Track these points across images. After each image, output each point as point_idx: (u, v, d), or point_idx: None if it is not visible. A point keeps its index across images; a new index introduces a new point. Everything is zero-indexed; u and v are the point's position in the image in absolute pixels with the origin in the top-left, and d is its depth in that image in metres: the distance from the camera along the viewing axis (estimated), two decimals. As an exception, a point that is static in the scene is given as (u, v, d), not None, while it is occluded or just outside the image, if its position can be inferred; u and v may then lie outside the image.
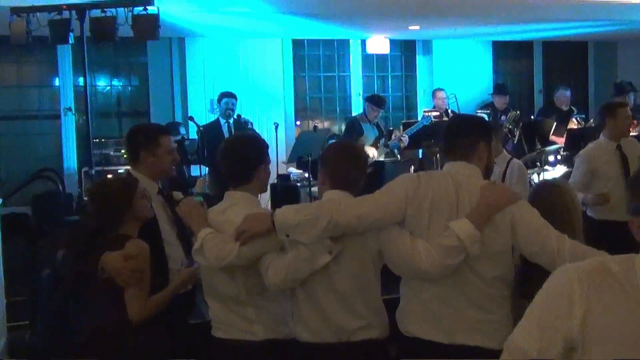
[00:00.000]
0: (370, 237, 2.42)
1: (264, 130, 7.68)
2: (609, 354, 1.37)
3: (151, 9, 5.55)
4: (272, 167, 6.92)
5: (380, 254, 2.44)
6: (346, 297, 2.43)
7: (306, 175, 6.53)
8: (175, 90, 8.40)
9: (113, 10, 5.52)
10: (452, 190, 2.36)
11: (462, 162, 2.44)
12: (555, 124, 7.68)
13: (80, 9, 5.46)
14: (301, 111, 9.19)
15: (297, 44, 9.00)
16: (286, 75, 8.82)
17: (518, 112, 8.05)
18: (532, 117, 8.75)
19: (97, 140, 7.29)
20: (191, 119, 7.18)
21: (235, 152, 2.68)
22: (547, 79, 10.18)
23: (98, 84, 8.38)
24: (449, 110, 8.30)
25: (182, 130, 7.39)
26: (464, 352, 2.31)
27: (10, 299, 4.57)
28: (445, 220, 2.32)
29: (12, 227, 6.39)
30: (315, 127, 8.08)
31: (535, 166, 6.69)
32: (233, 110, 6.89)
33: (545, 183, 2.94)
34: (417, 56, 9.59)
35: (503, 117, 7.98)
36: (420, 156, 7.79)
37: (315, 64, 9.22)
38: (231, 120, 6.86)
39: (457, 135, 2.51)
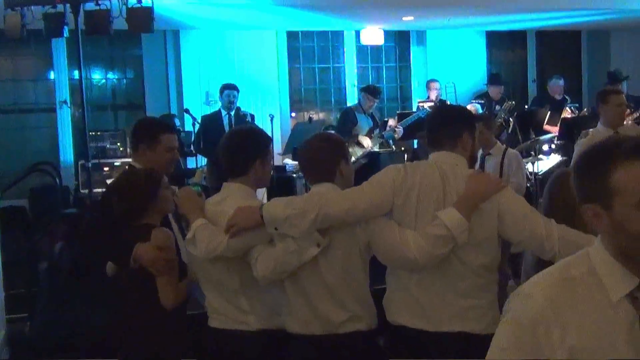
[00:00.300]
0: (359, 230, 2.43)
1: (259, 123, 7.69)
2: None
3: (145, 2, 5.56)
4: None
5: (368, 246, 2.45)
6: (334, 289, 2.45)
7: (302, 166, 6.55)
8: (170, 82, 8.41)
9: (107, 3, 5.52)
10: (439, 179, 2.37)
11: (447, 151, 2.46)
12: (549, 113, 7.71)
13: (75, 3, 5.46)
14: (296, 103, 9.21)
15: (292, 36, 9.01)
16: (281, 67, 8.83)
17: (513, 102, 8.08)
18: (526, 106, 8.78)
19: (93, 133, 7.31)
20: (187, 111, 7.20)
21: (233, 144, 2.69)
22: (540, 69, 10.21)
23: (93, 77, 8.39)
24: (447, 102, 8.34)
25: (177, 123, 7.41)
26: (450, 339, 2.33)
27: (9, 292, 4.60)
28: (432, 210, 2.33)
29: (9, 220, 6.43)
30: (310, 118, 8.12)
31: (530, 155, 6.72)
32: (234, 103, 6.88)
33: (562, 173, 2.93)
34: (411, 47, 9.61)
35: (498, 107, 8.01)
36: (415, 146, 7.82)
37: (309, 55, 9.24)
38: (232, 113, 6.86)
39: (441, 125, 2.52)
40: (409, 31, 9.53)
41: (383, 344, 2.56)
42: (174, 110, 8.26)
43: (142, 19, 5.60)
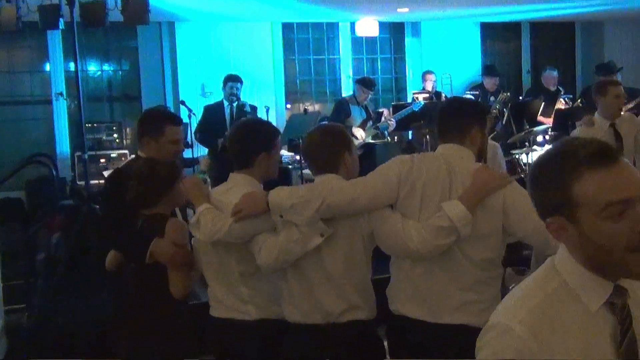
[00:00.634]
0: (362, 220, 2.45)
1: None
2: None
3: (141, -6, 5.56)
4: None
5: (371, 236, 2.47)
6: (336, 278, 2.47)
7: (297, 157, 6.58)
8: (166, 74, 8.41)
9: (103, -6, 5.53)
10: (445, 172, 2.37)
11: (455, 144, 2.45)
12: (543, 104, 7.74)
13: (70, -6, 5.45)
14: (291, 94, 9.23)
15: (287, 28, 9.01)
16: (276, 59, 8.84)
17: (508, 93, 8.10)
18: (520, 97, 8.81)
19: (89, 124, 7.33)
20: (182, 103, 7.21)
21: (239, 136, 2.72)
22: (535, 60, 10.24)
23: (89, 68, 8.38)
24: (442, 94, 8.37)
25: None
26: (450, 331, 2.35)
27: (6, 283, 4.62)
28: (437, 202, 2.34)
29: (6, 212, 6.45)
30: (305, 109, 8.12)
31: (524, 146, 6.77)
32: (237, 94, 6.87)
33: None
34: (406, 38, 9.62)
35: (492, 98, 8.04)
36: (410, 137, 7.85)
37: (304, 47, 9.25)
38: (234, 104, 6.86)
39: (451, 117, 2.52)
40: (403, 22, 9.54)
41: (385, 333, 2.58)
42: (169, 102, 8.27)
43: (138, 10, 5.59)
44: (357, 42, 9.40)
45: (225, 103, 6.89)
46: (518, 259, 3.97)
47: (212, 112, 6.87)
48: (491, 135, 4.99)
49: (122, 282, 2.88)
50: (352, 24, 9.12)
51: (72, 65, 7.67)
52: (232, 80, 6.89)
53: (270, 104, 7.76)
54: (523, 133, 6.88)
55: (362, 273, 2.53)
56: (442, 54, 9.32)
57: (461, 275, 2.34)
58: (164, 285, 2.69)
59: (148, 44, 8.32)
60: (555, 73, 8.52)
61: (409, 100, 8.41)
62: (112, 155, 7.38)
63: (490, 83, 8.50)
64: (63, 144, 8.03)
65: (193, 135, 6.90)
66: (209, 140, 6.68)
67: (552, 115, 7.31)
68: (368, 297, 2.55)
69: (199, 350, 2.79)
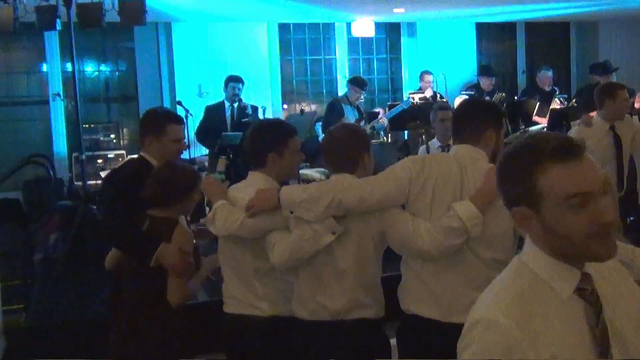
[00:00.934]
0: (374, 219, 2.46)
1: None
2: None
3: (137, -5, 5.59)
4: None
5: (383, 236, 2.48)
6: (346, 276, 2.50)
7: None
8: (162, 74, 8.43)
9: (99, -5, 5.55)
10: (457, 172, 2.37)
11: (469, 145, 2.45)
12: (538, 104, 7.77)
13: (67, -5, 5.48)
14: (288, 94, 9.24)
15: (283, 28, 9.03)
16: (272, 59, 8.86)
17: (503, 93, 8.14)
18: (516, 97, 8.85)
19: (87, 125, 7.34)
20: (179, 103, 7.23)
21: (251, 136, 2.77)
22: (530, 60, 10.27)
23: (86, 69, 8.39)
24: (437, 93, 8.40)
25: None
26: (461, 330, 2.39)
27: (4, 283, 4.63)
28: (448, 202, 2.34)
29: (3, 212, 6.44)
30: (302, 110, 8.16)
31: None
32: (239, 95, 6.87)
33: None
34: (402, 38, 9.64)
35: (487, 98, 8.07)
36: (406, 137, 7.88)
37: (301, 47, 9.27)
38: (235, 105, 6.87)
39: (467, 118, 2.52)
40: (399, 23, 9.57)
41: (395, 332, 2.58)
42: (166, 102, 8.29)
43: (135, 11, 5.62)
44: (353, 42, 9.42)
45: (227, 104, 6.91)
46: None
47: (213, 113, 6.89)
48: None
49: (120, 281, 2.90)
50: (348, 25, 9.14)
51: (69, 66, 7.69)
52: (234, 81, 6.90)
53: (266, 104, 7.78)
54: (518, 133, 6.92)
55: (372, 272, 2.55)
56: (438, 54, 9.35)
57: (472, 275, 2.35)
58: (162, 289, 2.71)
59: (145, 44, 8.34)
60: (550, 73, 8.55)
61: (405, 100, 8.43)
62: (110, 155, 7.39)
63: (486, 83, 8.53)
64: (60, 145, 8.04)
65: (194, 135, 6.92)
66: (210, 141, 6.70)
67: (548, 115, 7.33)
68: (377, 296, 2.57)
69: (192, 353, 2.82)
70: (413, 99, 7.92)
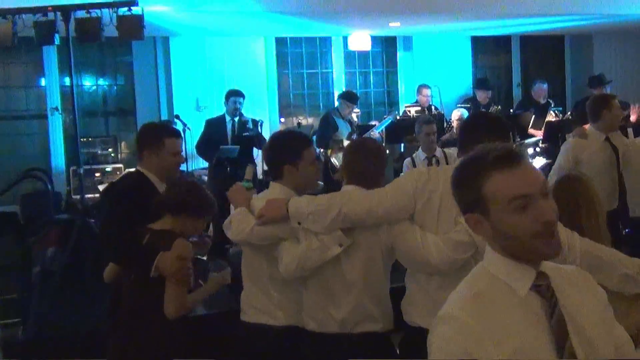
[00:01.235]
0: (382, 232, 2.49)
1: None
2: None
3: (135, 10, 5.62)
4: (258, 163, 7.07)
5: (391, 249, 2.51)
6: (354, 288, 2.52)
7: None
8: (160, 89, 8.46)
9: (98, 11, 5.56)
10: None
11: None
12: (533, 117, 7.83)
13: (65, 10, 5.49)
14: (285, 108, 9.28)
15: (280, 42, 9.09)
16: (269, 73, 8.91)
17: (499, 107, 8.20)
18: (511, 110, 8.90)
19: (84, 139, 7.36)
20: (177, 117, 7.27)
21: (267, 148, 2.84)
22: (525, 73, 10.33)
23: (84, 83, 8.42)
24: (433, 106, 8.45)
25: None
26: None
27: (1, 297, 4.64)
28: (454, 214, 2.34)
29: (1, 226, 6.45)
30: (299, 123, 8.19)
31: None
32: (239, 109, 6.91)
33: (568, 176, 2.96)
34: (398, 52, 9.70)
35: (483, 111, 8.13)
36: (402, 149, 7.92)
37: (298, 61, 9.32)
38: (236, 119, 6.90)
39: (473, 131, 2.52)
40: (395, 37, 9.63)
41: (398, 344, 2.60)
42: (164, 116, 8.32)
43: (133, 26, 5.65)
44: (349, 56, 9.48)
45: (227, 118, 6.94)
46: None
47: (214, 126, 6.92)
48: None
49: (119, 293, 2.91)
50: (345, 38, 9.20)
51: (67, 80, 7.72)
52: (235, 95, 6.93)
53: (263, 117, 7.82)
54: (514, 145, 6.96)
55: (381, 285, 2.57)
56: (433, 68, 9.41)
57: None
58: (160, 301, 2.72)
59: (143, 58, 8.38)
60: (545, 86, 8.62)
61: (401, 113, 8.48)
62: (107, 169, 7.41)
63: (482, 96, 8.60)
64: (58, 158, 8.05)
65: (194, 148, 6.95)
66: (210, 154, 6.73)
67: (543, 128, 7.39)
68: (385, 309, 2.59)
69: None
70: (409, 112, 7.98)
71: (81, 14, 5.57)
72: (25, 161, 7.65)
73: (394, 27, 8.68)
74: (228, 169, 6.61)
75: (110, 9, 5.58)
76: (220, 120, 6.98)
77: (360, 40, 8.98)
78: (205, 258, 3.95)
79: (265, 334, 2.69)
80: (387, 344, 2.59)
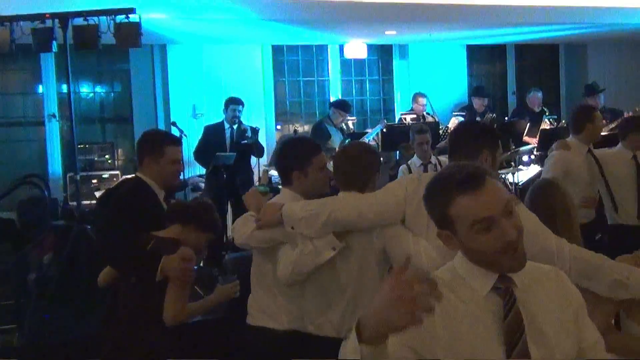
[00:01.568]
0: (375, 236, 2.51)
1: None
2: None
3: (133, 17, 5.66)
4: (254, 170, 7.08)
5: (385, 253, 2.53)
6: (350, 292, 2.55)
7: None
8: (157, 96, 8.49)
9: (95, 18, 5.60)
10: None
11: None
12: (528, 124, 7.87)
13: (63, 18, 5.53)
14: (281, 115, 9.32)
15: (277, 50, 9.14)
16: (266, 81, 8.96)
17: (494, 114, 8.25)
18: (506, 118, 8.95)
19: (81, 145, 7.37)
20: (174, 124, 7.29)
21: (277, 154, 2.90)
22: (520, 81, 10.38)
23: (81, 90, 8.45)
24: (428, 114, 8.49)
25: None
26: None
27: (-2, 303, 4.65)
28: None
29: (-3, 232, 6.45)
30: (295, 130, 8.21)
31: (510, 166, 6.89)
32: (238, 117, 6.94)
33: (543, 183, 2.95)
34: (394, 60, 9.76)
35: (477, 119, 8.17)
36: (397, 157, 7.95)
37: (294, 69, 9.37)
38: (235, 127, 6.94)
39: (462, 139, 2.55)
40: (391, 45, 9.69)
41: None
42: (161, 123, 8.35)
43: (130, 34, 5.68)
44: (345, 64, 9.53)
45: (226, 125, 6.97)
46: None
47: (212, 133, 6.95)
48: None
49: (116, 297, 2.93)
50: (341, 47, 9.25)
51: (64, 87, 7.74)
52: (234, 103, 6.96)
53: (260, 124, 7.85)
54: (509, 153, 7.00)
55: (376, 288, 2.57)
56: (429, 76, 9.46)
57: None
58: (159, 307, 2.74)
59: (140, 66, 8.42)
60: (540, 94, 8.65)
61: (397, 121, 8.52)
62: (104, 176, 7.43)
63: (479, 104, 8.64)
64: (55, 165, 8.07)
65: (191, 154, 6.97)
66: (207, 160, 6.75)
67: (538, 136, 7.43)
68: None
69: None
70: (405, 119, 8.02)
71: (79, 21, 5.60)
72: (22, 168, 7.65)
73: (390, 35, 8.73)
74: (224, 175, 6.64)
75: (108, 17, 5.61)
76: (219, 127, 7.01)
77: (357, 48, 9.04)
78: (202, 264, 3.97)
79: (267, 337, 2.72)
80: None
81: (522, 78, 10.45)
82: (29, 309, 4.79)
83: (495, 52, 10.36)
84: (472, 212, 1.51)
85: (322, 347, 2.58)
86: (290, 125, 9.30)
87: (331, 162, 2.81)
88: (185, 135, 7.05)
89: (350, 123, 7.82)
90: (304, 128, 9.28)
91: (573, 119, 4.64)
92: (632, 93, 9.59)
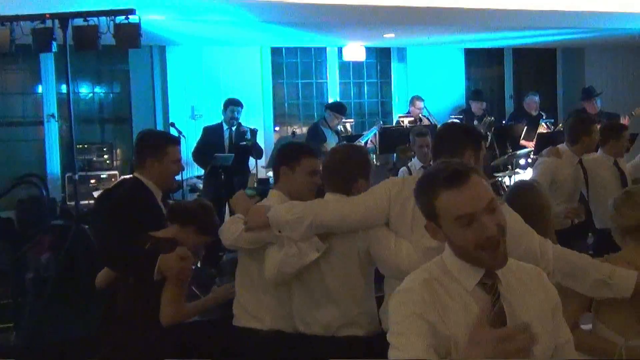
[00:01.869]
0: (358, 237, 2.55)
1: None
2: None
3: (133, 18, 5.67)
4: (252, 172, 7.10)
5: (369, 254, 2.57)
6: (335, 292, 2.59)
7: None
8: (156, 97, 8.51)
9: (95, 19, 5.60)
10: None
11: None
12: (525, 128, 7.91)
13: (63, 18, 5.52)
14: (279, 117, 9.34)
15: (276, 52, 9.16)
16: (265, 82, 8.98)
17: (492, 118, 8.28)
18: (503, 121, 8.99)
19: (80, 146, 7.39)
20: (172, 125, 7.31)
21: (273, 153, 2.93)
22: (517, 85, 10.44)
23: (81, 91, 8.46)
24: (425, 117, 8.52)
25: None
26: None
27: (-5, 302, 4.65)
28: None
29: (-4, 231, 6.46)
30: (293, 132, 8.25)
31: (507, 169, 6.93)
32: (237, 118, 6.97)
33: (521, 184, 2.98)
34: (392, 63, 9.80)
35: (476, 122, 8.21)
36: (394, 160, 7.98)
37: (293, 71, 9.40)
38: (234, 128, 6.95)
39: (445, 140, 2.58)
40: (390, 48, 9.73)
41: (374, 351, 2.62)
42: (159, 124, 8.37)
43: (130, 35, 5.69)
44: (344, 66, 9.56)
45: (225, 126, 6.99)
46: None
47: (211, 134, 6.97)
48: None
49: (114, 298, 2.94)
50: (340, 49, 9.28)
51: (64, 88, 7.75)
52: (233, 104, 6.99)
53: (258, 126, 7.87)
54: (506, 156, 7.04)
55: (361, 289, 2.63)
56: (427, 79, 9.50)
57: None
58: (157, 306, 2.76)
59: (139, 67, 8.43)
60: (537, 98, 8.70)
61: (394, 123, 8.55)
62: (102, 176, 7.45)
63: (477, 107, 8.69)
64: (54, 165, 8.08)
65: (190, 155, 7.00)
66: (206, 161, 6.77)
67: (535, 139, 7.47)
68: (368, 314, 2.64)
69: None
70: (402, 122, 8.05)
71: (79, 22, 5.60)
72: (21, 167, 7.66)
73: (388, 38, 8.77)
74: (222, 176, 6.66)
75: (108, 18, 5.62)
76: (218, 128, 7.03)
77: (355, 51, 9.07)
78: (198, 265, 3.99)
79: (251, 337, 2.75)
80: (370, 349, 2.61)
81: (520, 82, 10.50)
82: (26, 309, 4.81)
83: (493, 55, 10.41)
84: (455, 207, 1.58)
85: (308, 346, 2.62)
86: (289, 127, 9.32)
87: None
88: (183, 136, 7.06)
89: (348, 125, 7.84)
90: (302, 130, 9.31)
91: (570, 128, 4.60)
92: (628, 97, 9.63)
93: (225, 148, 6.88)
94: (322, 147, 6.86)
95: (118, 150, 8.42)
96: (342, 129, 7.77)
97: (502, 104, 10.41)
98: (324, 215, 2.49)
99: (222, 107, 7.07)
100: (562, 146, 4.57)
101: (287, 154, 2.86)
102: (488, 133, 7.77)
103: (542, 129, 7.96)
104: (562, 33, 8.74)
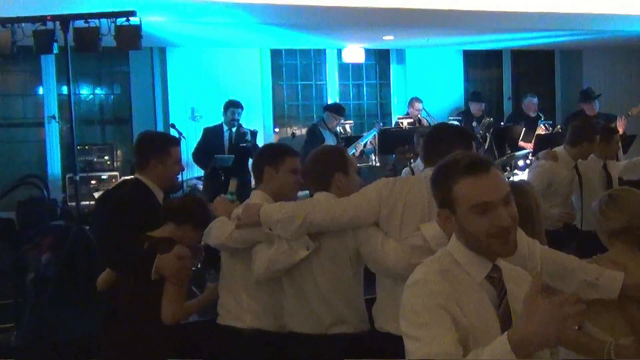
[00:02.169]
0: (348, 237, 2.58)
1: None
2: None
3: (133, 20, 5.70)
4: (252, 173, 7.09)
5: (359, 253, 2.60)
6: (325, 291, 2.61)
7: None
8: (156, 98, 8.54)
9: (96, 21, 5.62)
10: (426, 194, 2.43)
11: None
12: (524, 129, 7.94)
13: (64, 20, 5.54)
14: (279, 118, 9.36)
15: (275, 54, 9.19)
16: (264, 84, 9.01)
17: (491, 119, 8.30)
18: (502, 123, 9.01)
19: (81, 147, 7.41)
20: (173, 126, 7.34)
21: (257, 153, 3.00)
22: (516, 87, 10.47)
23: (81, 92, 8.49)
24: (424, 119, 8.55)
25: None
26: None
27: (-4, 302, 4.67)
28: (417, 223, 2.44)
29: (-4, 232, 6.48)
30: (293, 134, 8.26)
31: (505, 170, 6.95)
32: (237, 120, 7.00)
33: (510, 185, 3.02)
34: (391, 65, 9.82)
35: (474, 124, 8.24)
36: (394, 161, 8.00)
37: (292, 72, 9.42)
38: (234, 129, 6.98)
39: (435, 141, 2.60)
40: (389, 50, 9.75)
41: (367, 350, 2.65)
42: (160, 125, 8.40)
43: (130, 36, 5.72)
44: (343, 68, 9.59)
45: (225, 127, 7.01)
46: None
47: (211, 135, 6.99)
48: None
49: (115, 299, 2.96)
50: (339, 51, 9.31)
51: (65, 89, 7.78)
52: (234, 106, 7.01)
53: (258, 127, 7.90)
54: (505, 157, 7.06)
55: (351, 287, 2.65)
56: (426, 81, 9.53)
57: None
58: (157, 307, 2.78)
59: (139, 68, 8.46)
60: (535, 99, 8.71)
61: (394, 125, 8.58)
62: (103, 177, 7.47)
63: (476, 108, 8.71)
64: (54, 166, 8.10)
65: (190, 156, 7.02)
66: (206, 162, 6.80)
67: (533, 141, 7.49)
68: (358, 312, 2.67)
69: None
70: (401, 123, 8.07)
71: (80, 23, 5.62)
72: (22, 168, 7.70)
73: (388, 40, 8.80)
74: (222, 177, 6.68)
75: (109, 19, 5.64)
76: (218, 129, 7.06)
77: (354, 53, 9.10)
78: (199, 266, 4.01)
79: (232, 336, 2.78)
80: (360, 346, 2.64)
81: (518, 83, 10.52)
82: (27, 309, 4.82)
83: (492, 57, 10.43)
84: (473, 195, 1.61)
85: (299, 344, 2.65)
86: (288, 129, 9.34)
87: None
88: (184, 137, 7.08)
89: (347, 126, 7.86)
90: (301, 131, 9.32)
91: (573, 130, 4.58)
92: (626, 98, 9.65)
93: (225, 149, 6.91)
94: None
95: (118, 151, 8.45)
96: (342, 130, 7.80)
97: (501, 105, 10.44)
98: (314, 215, 2.52)
99: (222, 109, 7.09)
100: (560, 149, 4.59)
101: (271, 154, 2.88)
102: (487, 134, 7.79)
103: (541, 130, 7.97)
104: (560, 35, 8.76)
